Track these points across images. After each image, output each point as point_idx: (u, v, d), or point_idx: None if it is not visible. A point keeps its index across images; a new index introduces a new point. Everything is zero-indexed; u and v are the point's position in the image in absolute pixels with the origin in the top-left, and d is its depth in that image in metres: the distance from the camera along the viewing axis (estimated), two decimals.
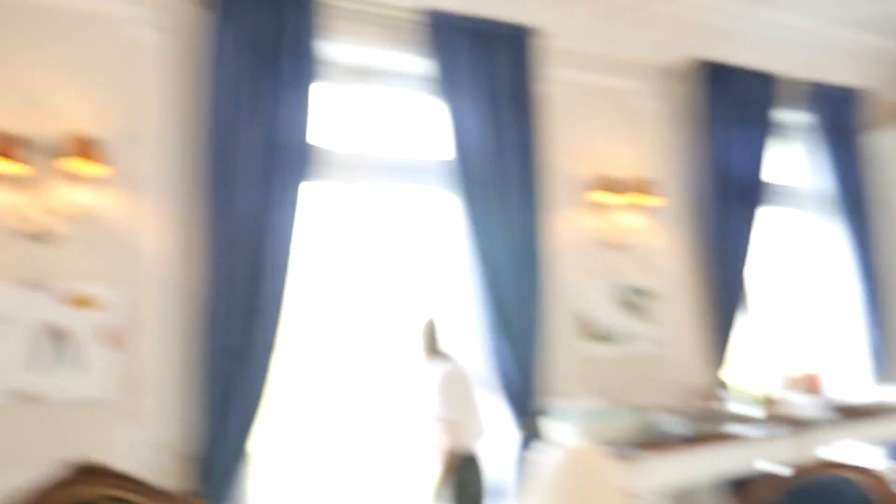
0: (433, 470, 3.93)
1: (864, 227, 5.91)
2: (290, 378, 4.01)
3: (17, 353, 3.23)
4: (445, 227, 4.41)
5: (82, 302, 3.38)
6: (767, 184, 5.55)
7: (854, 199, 5.90)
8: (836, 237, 5.92)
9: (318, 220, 4.18)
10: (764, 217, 5.54)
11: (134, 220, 3.59)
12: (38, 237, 3.33)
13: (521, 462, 4.23)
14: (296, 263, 3.76)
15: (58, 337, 3.32)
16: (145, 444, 3.49)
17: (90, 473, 2.53)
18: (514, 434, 4.28)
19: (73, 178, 3.43)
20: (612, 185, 4.85)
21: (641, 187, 4.95)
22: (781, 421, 4.49)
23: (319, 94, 3.98)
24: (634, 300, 4.97)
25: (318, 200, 4.15)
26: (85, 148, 3.37)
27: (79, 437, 3.33)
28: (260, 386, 3.58)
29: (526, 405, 4.29)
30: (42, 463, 3.08)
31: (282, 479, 4.01)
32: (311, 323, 4.16)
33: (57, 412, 3.31)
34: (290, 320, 3.80)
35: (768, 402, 4.65)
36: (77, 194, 3.43)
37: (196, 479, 3.42)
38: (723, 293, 5.22)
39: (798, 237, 6.08)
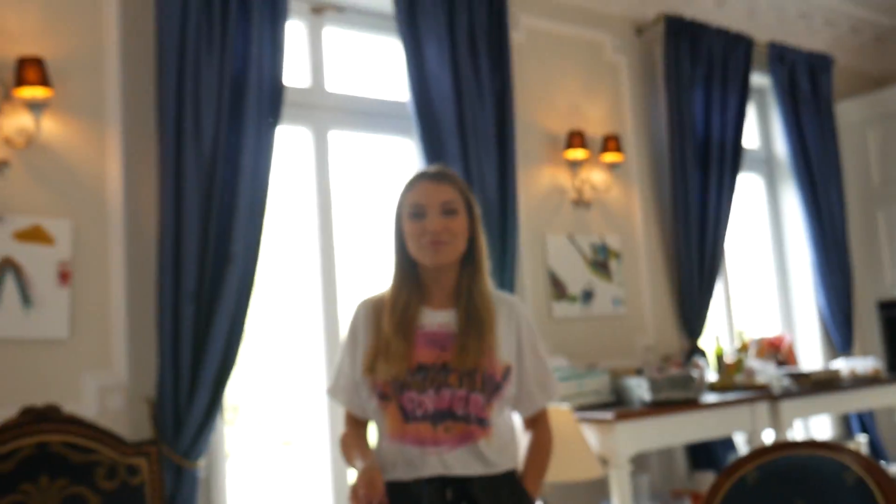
0: None
1: (817, 196, 5.80)
2: (268, 327, 3.78)
3: None
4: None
5: (36, 235, 3.09)
6: (745, 149, 5.49)
7: (812, 166, 5.81)
8: (790, 203, 5.93)
9: (290, 163, 3.94)
10: (743, 183, 5.49)
11: (89, 150, 3.29)
12: None
13: None
14: (272, 207, 3.52)
15: (12, 272, 3.03)
16: (116, 390, 3.23)
17: (48, 419, 2.36)
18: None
19: (23, 103, 3.10)
20: (584, 141, 4.69)
21: (613, 144, 4.81)
22: (753, 389, 4.45)
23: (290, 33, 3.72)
24: (606, 261, 4.85)
25: (289, 143, 3.92)
26: (35, 71, 3.05)
27: (43, 379, 3.06)
28: (235, 335, 3.34)
29: None
30: (6, 403, 2.88)
31: (258, 430, 3.80)
32: (288, 268, 3.91)
33: (16, 351, 3.03)
34: (267, 266, 3.56)
35: (739, 369, 4.62)
36: (24, 120, 3.10)
37: (168, 430, 3.18)
38: (699, 259, 5.12)
39: (758, 201, 6.06)
